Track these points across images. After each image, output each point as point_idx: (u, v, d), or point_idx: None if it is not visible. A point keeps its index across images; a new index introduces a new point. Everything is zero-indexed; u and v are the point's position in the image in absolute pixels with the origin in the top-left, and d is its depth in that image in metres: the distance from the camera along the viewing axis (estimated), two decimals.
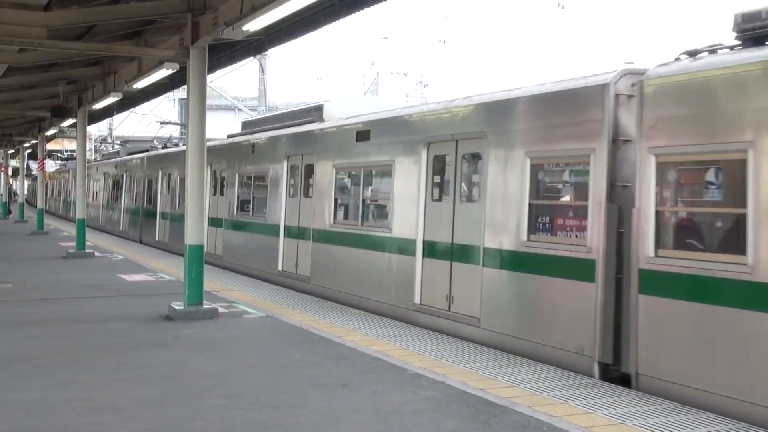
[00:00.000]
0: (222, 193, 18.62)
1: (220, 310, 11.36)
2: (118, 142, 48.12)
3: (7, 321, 10.72)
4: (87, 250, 20.25)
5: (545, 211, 9.03)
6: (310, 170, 14.25)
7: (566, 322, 8.33)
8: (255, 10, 9.24)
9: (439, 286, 10.39)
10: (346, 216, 13.29)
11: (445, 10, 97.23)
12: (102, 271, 16.75)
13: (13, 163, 50.28)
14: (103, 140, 53.88)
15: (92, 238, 24.77)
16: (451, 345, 9.33)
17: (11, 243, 25.00)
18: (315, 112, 14.88)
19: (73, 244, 20.69)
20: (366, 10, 10.18)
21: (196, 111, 11.29)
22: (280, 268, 15.01)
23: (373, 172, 12.61)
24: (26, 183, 53.21)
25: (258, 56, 28.42)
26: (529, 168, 8.98)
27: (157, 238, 23.91)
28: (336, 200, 13.28)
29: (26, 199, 48.53)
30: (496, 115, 9.64)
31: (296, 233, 14.51)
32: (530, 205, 8.94)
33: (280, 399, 6.91)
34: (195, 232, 11.35)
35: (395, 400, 6.90)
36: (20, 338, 9.60)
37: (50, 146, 45.50)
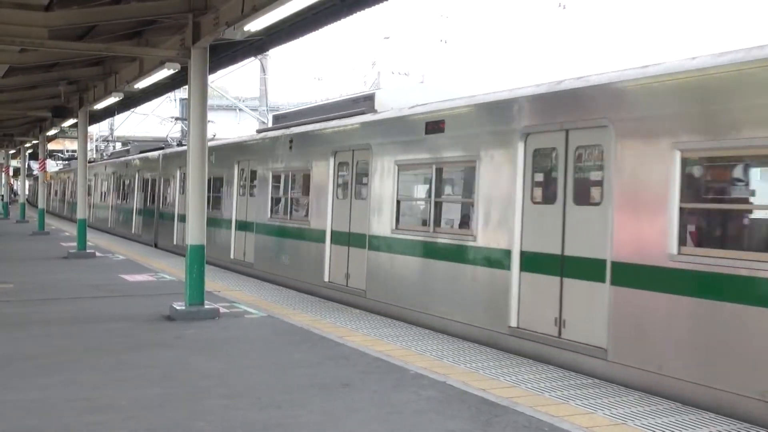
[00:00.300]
0: (252, 194, 16.81)
1: (222, 310, 11.36)
2: (121, 141, 48.13)
3: (7, 321, 10.72)
4: (88, 250, 20.25)
5: (705, 217, 7.31)
6: (363, 168, 12.46)
7: (749, 362, 6.51)
8: (256, 10, 9.23)
9: (544, 307, 8.62)
10: (412, 221, 11.63)
11: (446, 10, 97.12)
12: (103, 272, 16.75)
13: (14, 163, 50.31)
14: (105, 140, 53.92)
15: (101, 241, 24.42)
16: (452, 345, 9.32)
17: (12, 243, 25.01)
18: (364, 102, 13.18)
19: (75, 244, 20.68)
20: (367, 10, 10.16)
21: (197, 111, 11.29)
22: (326, 279, 13.26)
23: (449, 170, 10.80)
24: (27, 183, 53.27)
25: (259, 56, 28.40)
26: (680, 163, 7.20)
27: (175, 242, 21.98)
28: (398, 202, 11.51)
29: (27, 199, 48.58)
30: (627, 98, 7.85)
31: (347, 240, 12.72)
32: (681, 209, 7.18)
33: (280, 399, 6.91)
34: (196, 231, 11.35)
35: (396, 400, 6.89)
36: (21, 338, 9.60)
37: (51, 146, 45.50)
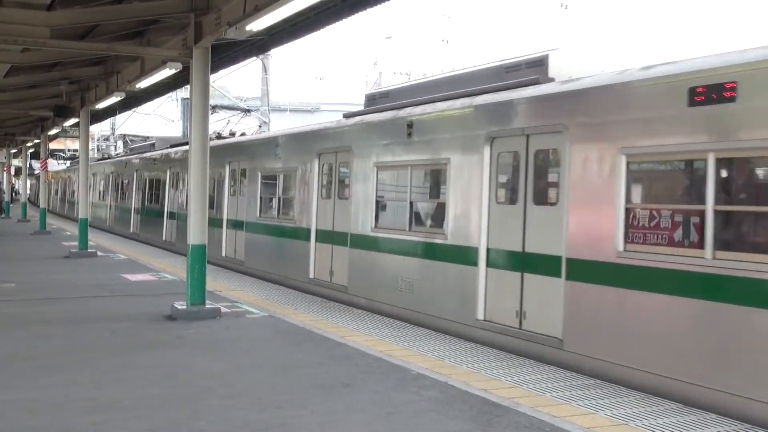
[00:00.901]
0: (342, 196, 13.19)
1: (223, 309, 11.36)
2: (122, 140, 47.99)
3: (9, 320, 10.72)
4: (89, 250, 20.26)
5: None
6: (549, 159, 9.07)
7: None
8: (258, 10, 9.25)
9: None
10: (659, 239, 7.52)
11: (447, 10, 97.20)
12: (104, 271, 16.75)
13: (15, 162, 50.38)
14: (106, 139, 53.98)
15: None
16: (453, 345, 9.32)
17: (14, 243, 25.02)
18: (528, 69, 9.90)
19: (76, 243, 20.70)
20: (369, 9, 10.18)
21: (198, 111, 11.30)
22: (479, 317, 9.66)
23: (751, 162, 7.04)
24: (29, 182, 53.26)
25: (261, 56, 28.34)
26: None
27: (224, 254, 18.28)
28: (629, 211, 7.78)
29: (29, 199, 48.54)
30: None
31: (519, 262, 9.11)
32: None
33: (282, 399, 6.91)
34: (198, 231, 11.35)
35: (398, 401, 6.89)
36: (22, 338, 9.61)
37: (53, 146, 45.53)
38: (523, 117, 9.29)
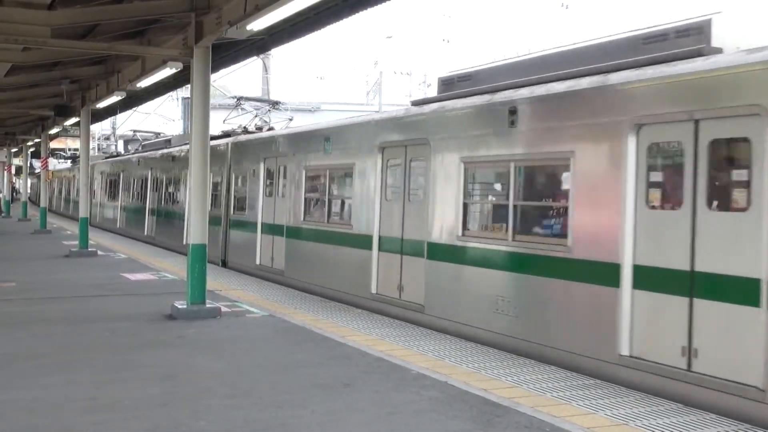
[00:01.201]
0: (415, 198, 11.19)
1: (223, 309, 11.37)
2: (124, 139, 48.00)
3: (9, 320, 10.72)
4: (90, 249, 20.26)
5: None
6: (728, 152, 7.05)
7: None
8: (258, 9, 9.26)
9: None
10: None
11: (448, 10, 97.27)
12: (105, 270, 16.75)
13: (16, 161, 50.45)
14: (107, 138, 54.02)
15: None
16: (454, 345, 9.32)
17: (14, 242, 25.03)
18: (684, 39, 7.94)
19: (76, 242, 20.70)
20: (369, 9, 10.21)
21: (199, 110, 11.30)
22: (622, 352, 7.67)
23: None
24: (30, 181, 53.30)
25: (261, 55, 28.22)
26: None
27: (258, 262, 16.32)
28: None
29: (30, 198, 48.55)
30: None
31: (685, 283, 7.11)
32: None
33: (282, 399, 6.91)
34: (198, 231, 11.37)
35: (398, 400, 6.90)
36: (23, 337, 9.61)
37: (53, 145, 45.51)
38: (691, 98, 7.19)
